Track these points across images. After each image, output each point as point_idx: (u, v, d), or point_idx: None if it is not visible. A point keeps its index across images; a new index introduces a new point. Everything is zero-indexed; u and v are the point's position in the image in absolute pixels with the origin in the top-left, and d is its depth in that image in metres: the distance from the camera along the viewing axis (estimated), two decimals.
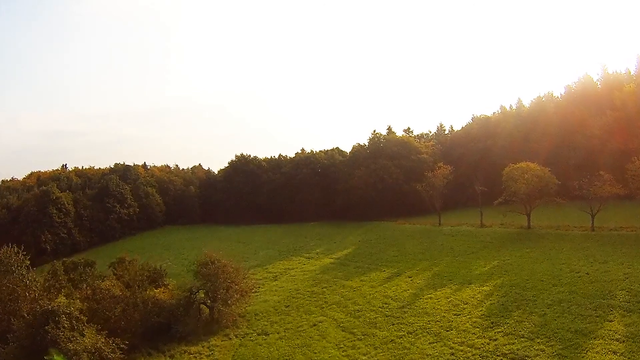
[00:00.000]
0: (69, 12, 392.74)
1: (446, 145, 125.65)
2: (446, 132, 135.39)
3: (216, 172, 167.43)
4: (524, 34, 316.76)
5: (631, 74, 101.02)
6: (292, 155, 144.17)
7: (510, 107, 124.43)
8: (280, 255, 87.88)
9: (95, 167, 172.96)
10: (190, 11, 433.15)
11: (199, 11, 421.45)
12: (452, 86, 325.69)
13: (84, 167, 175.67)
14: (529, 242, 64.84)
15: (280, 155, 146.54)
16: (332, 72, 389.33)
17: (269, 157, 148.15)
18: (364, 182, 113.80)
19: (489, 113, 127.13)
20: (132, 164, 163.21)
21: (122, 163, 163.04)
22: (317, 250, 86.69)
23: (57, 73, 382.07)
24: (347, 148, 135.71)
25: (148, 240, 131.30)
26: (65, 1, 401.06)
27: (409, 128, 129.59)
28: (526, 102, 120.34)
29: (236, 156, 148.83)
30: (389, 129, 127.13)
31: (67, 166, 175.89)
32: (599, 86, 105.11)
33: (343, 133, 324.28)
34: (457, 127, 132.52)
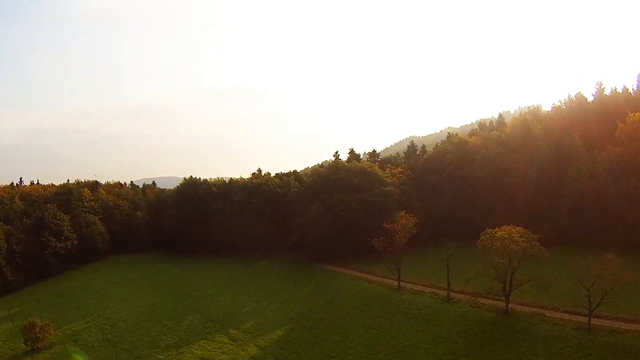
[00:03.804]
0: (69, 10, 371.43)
1: (417, 172, 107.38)
2: (417, 152, 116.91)
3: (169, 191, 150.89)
4: (504, 44, 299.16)
5: (631, 93, 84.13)
6: (248, 176, 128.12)
7: (490, 123, 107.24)
8: (205, 330, 71.74)
9: (45, 184, 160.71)
10: (189, 11, 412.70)
11: (198, 10, 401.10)
12: (426, 92, 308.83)
13: (39, 182, 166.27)
14: (504, 348, 48.31)
15: (232, 179, 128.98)
16: (315, 74, 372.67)
17: (220, 179, 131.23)
18: (319, 220, 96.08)
19: (465, 122, 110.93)
20: (82, 180, 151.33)
21: (74, 181, 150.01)
22: (248, 325, 70.37)
23: (40, 71, 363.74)
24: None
25: (83, 279, 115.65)
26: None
27: (374, 151, 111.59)
28: (507, 117, 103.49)
29: (185, 179, 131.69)
30: (351, 152, 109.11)
31: (22, 181, 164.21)
32: (591, 105, 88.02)
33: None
34: (432, 132, 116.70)
